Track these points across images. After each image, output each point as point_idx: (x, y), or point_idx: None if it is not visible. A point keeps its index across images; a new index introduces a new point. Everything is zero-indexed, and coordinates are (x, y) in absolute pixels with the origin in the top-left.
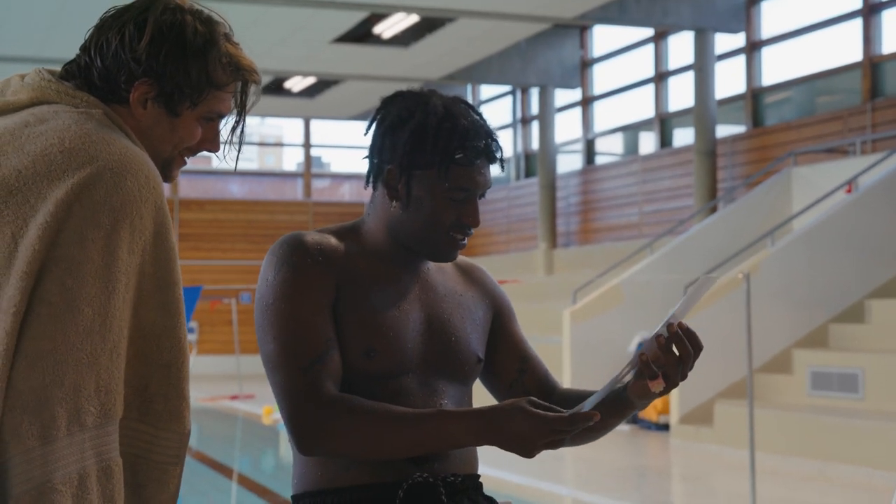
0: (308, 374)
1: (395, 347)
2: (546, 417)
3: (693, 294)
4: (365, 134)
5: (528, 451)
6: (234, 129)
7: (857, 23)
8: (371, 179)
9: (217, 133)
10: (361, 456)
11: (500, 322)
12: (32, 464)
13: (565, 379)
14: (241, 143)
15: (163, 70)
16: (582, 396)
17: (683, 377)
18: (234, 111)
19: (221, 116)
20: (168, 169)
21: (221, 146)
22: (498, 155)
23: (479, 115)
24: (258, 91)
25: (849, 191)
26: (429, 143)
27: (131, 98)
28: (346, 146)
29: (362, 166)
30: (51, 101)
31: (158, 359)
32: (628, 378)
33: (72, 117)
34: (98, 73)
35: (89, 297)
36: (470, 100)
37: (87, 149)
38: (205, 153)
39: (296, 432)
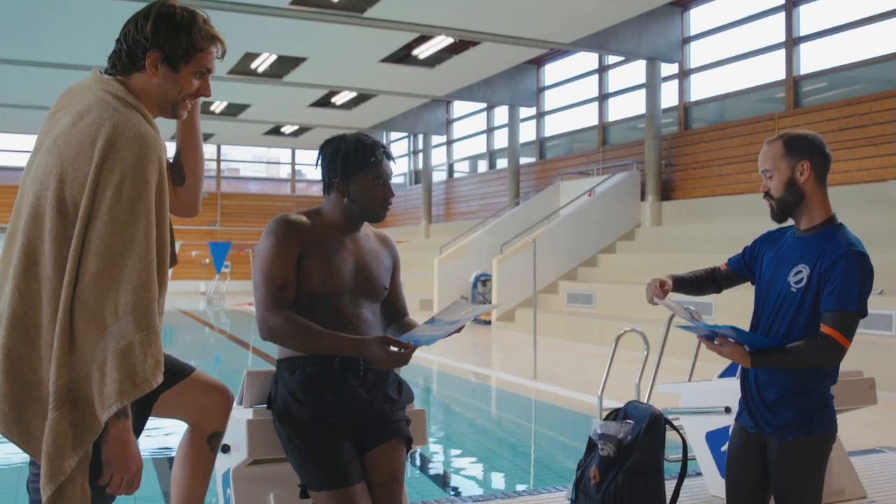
0: (272, 296)
1: (337, 279)
2: (391, 353)
3: (455, 307)
4: (315, 167)
5: (381, 365)
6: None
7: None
8: (326, 190)
9: (207, 83)
10: (292, 347)
11: (393, 270)
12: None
13: (434, 295)
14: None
15: (163, 41)
16: (412, 326)
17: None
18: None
19: (210, 71)
20: (175, 109)
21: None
22: (391, 155)
23: (374, 138)
24: (225, 52)
25: (590, 195)
26: (351, 159)
27: (146, 63)
28: None
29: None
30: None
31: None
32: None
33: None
34: (124, 52)
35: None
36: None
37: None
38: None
39: (260, 328)
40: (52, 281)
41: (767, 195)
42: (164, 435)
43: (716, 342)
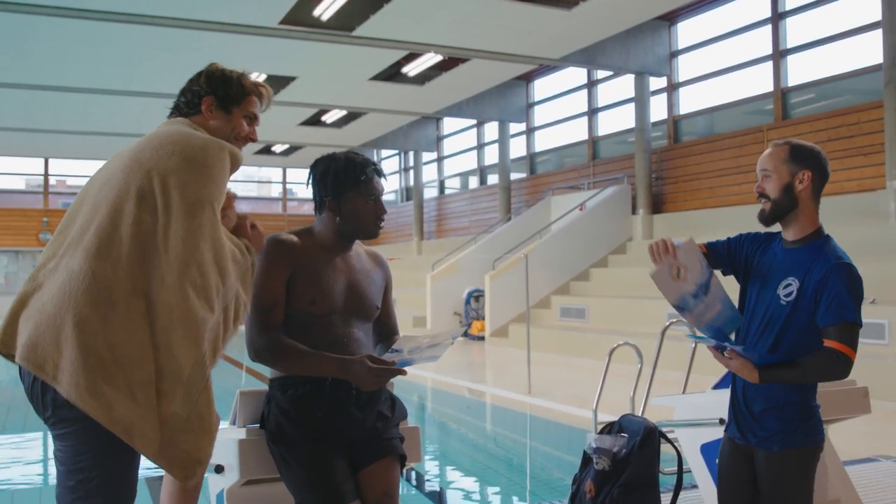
0: (259, 317)
1: (328, 298)
2: (374, 369)
3: (445, 340)
4: (307, 186)
5: (363, 386)
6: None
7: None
8: (318, 209)
9: (254, 130)
10: (278, 369)
11: (385, 289)
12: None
13: (427, 312)
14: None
15: (216, 87)
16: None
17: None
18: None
19: (255, 117)
20: None
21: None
22: (382, 172)
23: (364, 156)
24: (270, 99)
25: (581, 209)
26: (342, 177)
27: (203, 108)
28: None
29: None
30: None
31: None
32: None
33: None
34: (183, 102)
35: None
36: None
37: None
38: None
39: (248, 348)
40: (127, 259)
41: (763, 195)
42: None
43: (725, 354)
